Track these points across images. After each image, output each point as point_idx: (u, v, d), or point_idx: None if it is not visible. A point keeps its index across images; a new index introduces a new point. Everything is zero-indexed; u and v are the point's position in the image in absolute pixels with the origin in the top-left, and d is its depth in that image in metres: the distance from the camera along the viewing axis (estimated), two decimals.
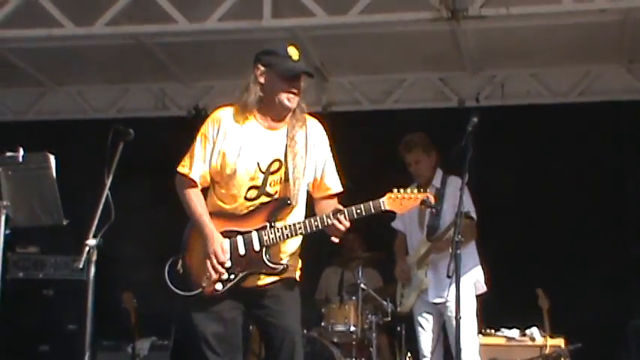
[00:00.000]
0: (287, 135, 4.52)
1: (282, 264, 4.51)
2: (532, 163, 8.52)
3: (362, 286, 7.41)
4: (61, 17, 7.32)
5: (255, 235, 4.47)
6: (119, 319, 8.02)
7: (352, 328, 7.35)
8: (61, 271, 8.35)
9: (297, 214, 4.55)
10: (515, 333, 7.14)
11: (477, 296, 6.49)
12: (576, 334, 7.23)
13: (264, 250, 4.47)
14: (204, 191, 4.65)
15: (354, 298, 7.44)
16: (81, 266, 4.32)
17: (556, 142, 8.46)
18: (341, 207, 4.44)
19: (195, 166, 4.54)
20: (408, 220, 6.65)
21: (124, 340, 8.29)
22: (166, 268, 4.52)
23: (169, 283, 4.49)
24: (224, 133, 4.52)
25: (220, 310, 4.49)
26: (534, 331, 7.09)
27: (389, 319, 7.48)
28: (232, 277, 4.47)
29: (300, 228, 4.45)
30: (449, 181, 6.47)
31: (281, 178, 4.49)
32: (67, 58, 8.32)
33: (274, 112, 4.53)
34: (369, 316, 7.46)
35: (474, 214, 6.34)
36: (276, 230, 4.46)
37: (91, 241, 4.27)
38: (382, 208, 4.46)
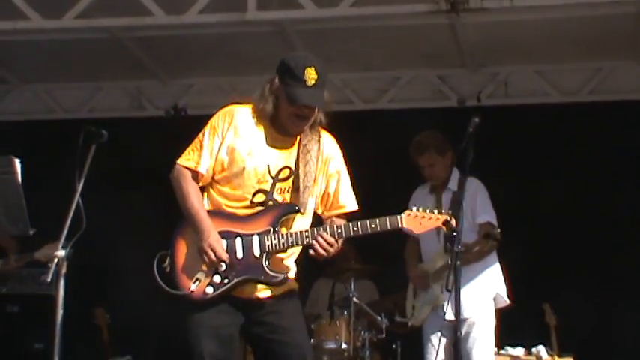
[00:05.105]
0: (299, 144, 4.60)
1: (281, 274, 4.52)
2: (537, 167, 8.53)
3: (354, 299, 7.41)
4: (27, 9, 7.31)
5: (256, 239, 4.49)
6: (90, 336, 8.01)
7: (344, 346, 7.34)
8: (27, 285, 8.31)
9: (302, 224, 4.58)
10: (520, 351, 7.15)
11: (497, 310, 6.48)
12: (586, 352, 7.25)
13: (264, 256, 4.48)
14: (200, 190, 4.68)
15: (345, 312, 7.45)
16: (49, 279, 4.31)
17: (564, 144, 8.47)
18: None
19: (204, 159, 4.58)
20: None
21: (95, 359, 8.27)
22: (155, 262, 4.51)
23: (158, 279, 4.47)
24: (235, 129, 4.58)
25: (218, 326, 4.49)
26: (541, 349, 7.11)
27: (383, 335, 7.48)
28: (226, 281, 4.47)
29: (306, 237, 4.48)
30: (467, 184, 6.43)
31: (289, 187, 4.55)
32: (33, 54, 8.30)
33: (285, 128, 4.61)
34: (362, 332, 7.46)
35: (494, 221, 6.36)
36: (280, 236, 4.48)
37: (60, 252, 4.26)
38: (399, 225, 4.53)
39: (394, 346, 7.65)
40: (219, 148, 4.57)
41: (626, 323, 7.86)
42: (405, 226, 4.54)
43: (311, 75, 4.48)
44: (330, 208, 4.70)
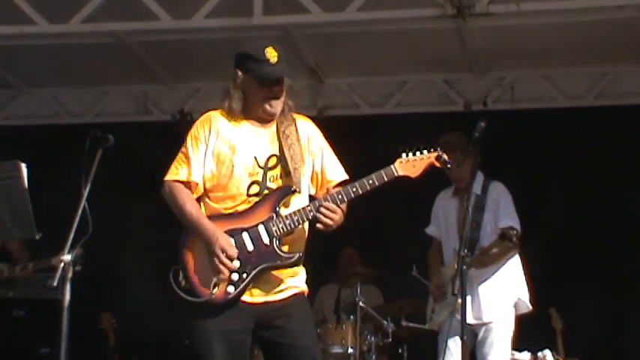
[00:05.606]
0: (278, 131, 4.63)
1: (296, 253, 4.54)
2: (544, 171, 8.52)
3: (360, 304, 7.41)
4: (33, 13, 7.31)
5: (262, 228, 4.51)
6: (96, 341, 8.00)
7: (350, 350, 7.35)
8: (33, 290, 8.30)
9: (300, 204, 4.59)
10: (526, 356, 7.13)
11: (518, 316, 6.43)
12: (592, 357, 7.23)
13: (274, 240, 4.49)
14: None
15: (352, 317, 7.45)
16: (55, 284, 4.30)
17: (570, 149, 8.46)
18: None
19: (194, 168, 4.59)
20: (444, 226, 6.61)
21: None
22: (171, 275, 4.50)
23: (178, 291, 4.47)
24: (216, 132, 4.61)
25: (229, 331, 4.48)
26: (547, 353, 7.09)
27: (389, 340, 7.49)
28: (244, 276, 4.47)
29: (310, 211, 4.50)
30: (491, 188, 6.39)
31: (280, 173, 4.58)
32: (40, 58, 8.30)
33: (259, 117, 4.65)
34: (368, 336, 7.47)
35: (517, 226, 6.30)
36: (284, 219, 4.50)
37: (67, 257, 4.26)
38: (395, 174, 4.56)
39: (400, 350, 7.65)
40: (205, 155, 4.60)
41: (632, 328, 7.85)
42: (400, 173, 4.56)
43: (272, 53, 4.56)
44: (321, 185, 4.73)
